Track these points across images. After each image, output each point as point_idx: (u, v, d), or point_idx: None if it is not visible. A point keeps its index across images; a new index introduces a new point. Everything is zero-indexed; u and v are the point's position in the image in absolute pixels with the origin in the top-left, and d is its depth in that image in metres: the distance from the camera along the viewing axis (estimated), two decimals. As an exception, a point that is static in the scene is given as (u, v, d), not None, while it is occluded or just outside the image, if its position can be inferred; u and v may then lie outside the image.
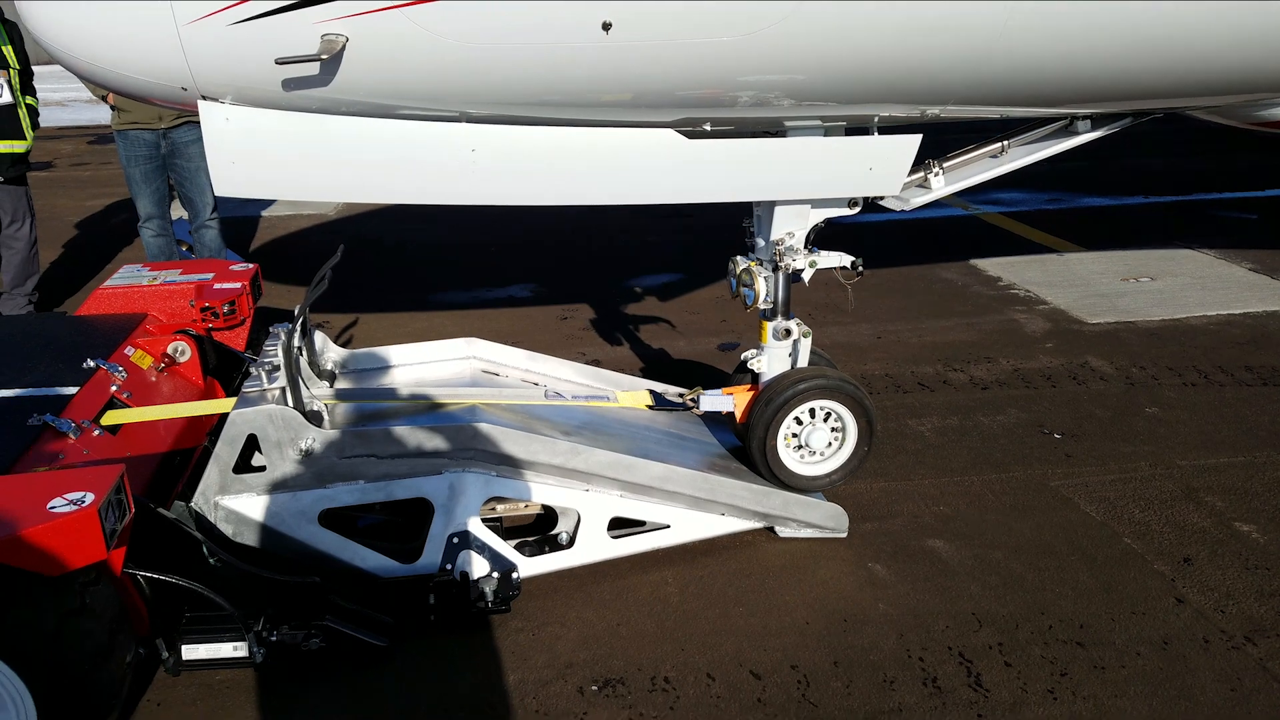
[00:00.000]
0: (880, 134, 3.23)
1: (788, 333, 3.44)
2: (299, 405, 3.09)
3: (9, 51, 5.57)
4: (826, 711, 2.70)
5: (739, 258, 3.57)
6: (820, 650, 2.93)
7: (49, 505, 2.26)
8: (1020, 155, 3.59)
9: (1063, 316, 5.72)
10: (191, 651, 2.69)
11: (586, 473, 3.19)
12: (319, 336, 3.87)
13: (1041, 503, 3.73)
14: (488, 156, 2.94)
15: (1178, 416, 4.41)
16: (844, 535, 3.49)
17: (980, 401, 4.61)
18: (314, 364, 3.71)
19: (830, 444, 3.51)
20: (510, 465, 3.17)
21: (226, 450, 3.00)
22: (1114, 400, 4.60)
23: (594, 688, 2.81)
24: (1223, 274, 6.41)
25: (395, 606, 3.02)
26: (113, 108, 5.64)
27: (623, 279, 6.71)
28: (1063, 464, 4.02)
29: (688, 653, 2.94)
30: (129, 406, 3.29)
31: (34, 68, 5.86)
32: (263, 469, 3.04)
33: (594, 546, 3.26)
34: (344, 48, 2.59)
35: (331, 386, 3.71)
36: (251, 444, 3.02)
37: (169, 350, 3.74)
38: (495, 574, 3.09)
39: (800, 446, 3.48)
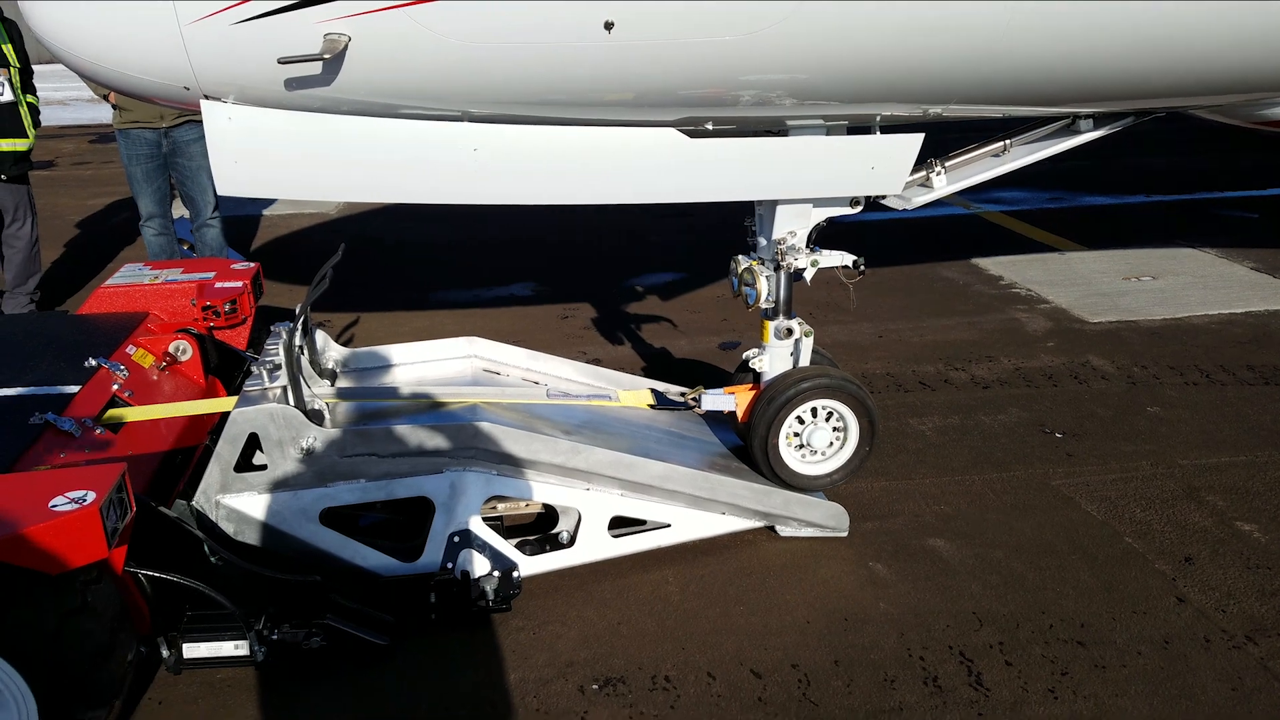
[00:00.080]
0: (882, 133, 3.23)
1: (789, 332, 3.44)
2: (300, 404, 3.09)
3: (9, 50, 5.56)
4: (827, 710, 2.70)
5: (741, 257, 3.57)
6: (821, 649, 2.94)
7: (50, 504, 2.26)
8: (1022, 154, 3.59)
9: (1064, 315, 5.71)
10: (193, 650, 2.69)
11: (587, 471, 3.20)
12: (320, 335, 3.87)
13: (1042, 502, 3.73)
14: (490, 156, 2.94)
15: (1179, 416, 4.41)
16: (845, 534, 3.49)
17: (981, 400, 4.61)
18: (315, 363, 3.71)
19: (832, 443, 3.51)
20: (511, 464, 3.17)
21: (228, 449, 3.01)
22: (1115, 399, 4.60)
23: (595, 686, 2.81)
24: (1224, 273, 6.40)
25: (396, 605, 3.02)
26: (114, 107, 5.64)
27: (624, 278, 6.71)
28: (1064, 463, 4.02)
29: (688, 651, 2.94)
30: (130, 405, 3.29)
31: (36, 67, 5.86)
32: (264, 468, 3.05)
33: (595, 545, 3.26)
34: (346, 47, 2.59)
35: (333, 385, 3.71)
36: (253, 443, 3.02)
37: (170, 349, 3.74)
38: (496, 573, 3.10)
39: (802, 446, 3.48)
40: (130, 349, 3.59)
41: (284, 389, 3.17)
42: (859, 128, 3.27)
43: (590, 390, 3.95)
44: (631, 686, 2.80)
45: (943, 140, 3.60)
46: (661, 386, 3.99)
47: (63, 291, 6.59)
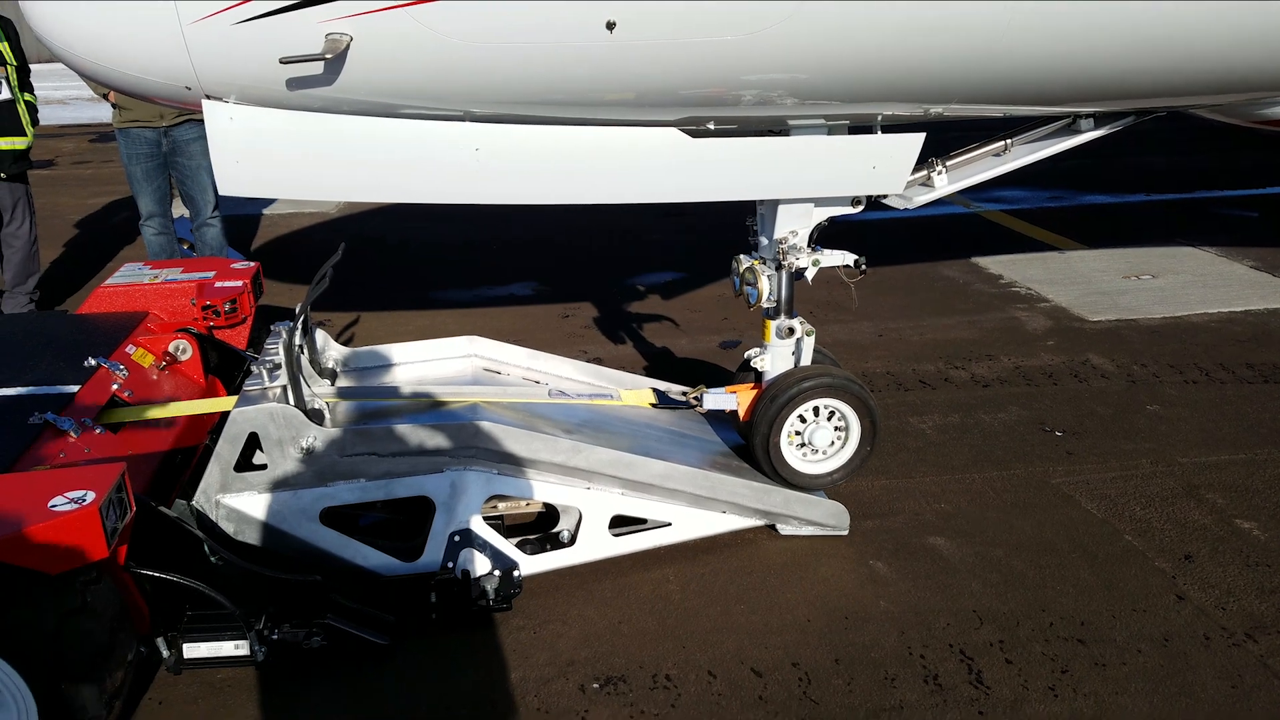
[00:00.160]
0: (884, 132, 3.23)
1: (791, 331, 3.44)
2: (300, 403, 3.09)
3: (5, 48, 5.55)
4: (828, 709, 2.70)
5: (742, 256, 3.57)
6: (821, 648, 2.94)
7: (50, 504, 2.26)
8: (1023, 154, 3.59)
9: (1064, 314, 5.71)
10: (193, 650, 2.69)
11: (588, 470, 3.20)
12: (320, 335, 3.87)
13: (1043, 500, 3.73)
14: (491, 156, 2.94)
15: (1179, 414, 4.41)
16: (845, 533, 3.49)
17: (982, 399, 4.62)
18: (315, 362, 3.71)
19: (833, 442, 3.51)
20: (512, 463, 3.17)
21: (228, 448, 3.01)
22: (1115, 398, 4.60)
23: (595, 685, 2.81)
24: (1224, 271, 6.41)
25: (397, 605, 3.02)
26: (114, 106, 5.63)
27: (624, 277, 6.71)
28: (1064, 461, 4.02)
29: (689, 650, 2.94)
30: (130, 405, 3.29)
31: (35, 65, 5.86)
32: (264, 467, 3.05)
33: (595, 544, 3.27)
34: (348, 47, 2.59)
35: (333, 385, 3.71)
36: (253, 442, 3.02)
37: (170, 349, 3.74)
38: (497, 572, 3.10)
39: (804, 445, 3.48)
40: (130, 348, 3.59)
41: (284, 388, 3.17)
42: (860, 127, 3.27)
43: (591, 389, 3.94)
44: (632, 685, 2.80)
45: (944, 139, 3.60)
46: (663, 385, 3.99)
47: (62, 291, 6.59)
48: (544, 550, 3.24)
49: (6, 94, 5.55)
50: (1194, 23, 2.85)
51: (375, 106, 2.83)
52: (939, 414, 4.47)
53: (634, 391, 3.92)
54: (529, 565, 3.17)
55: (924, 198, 3.51)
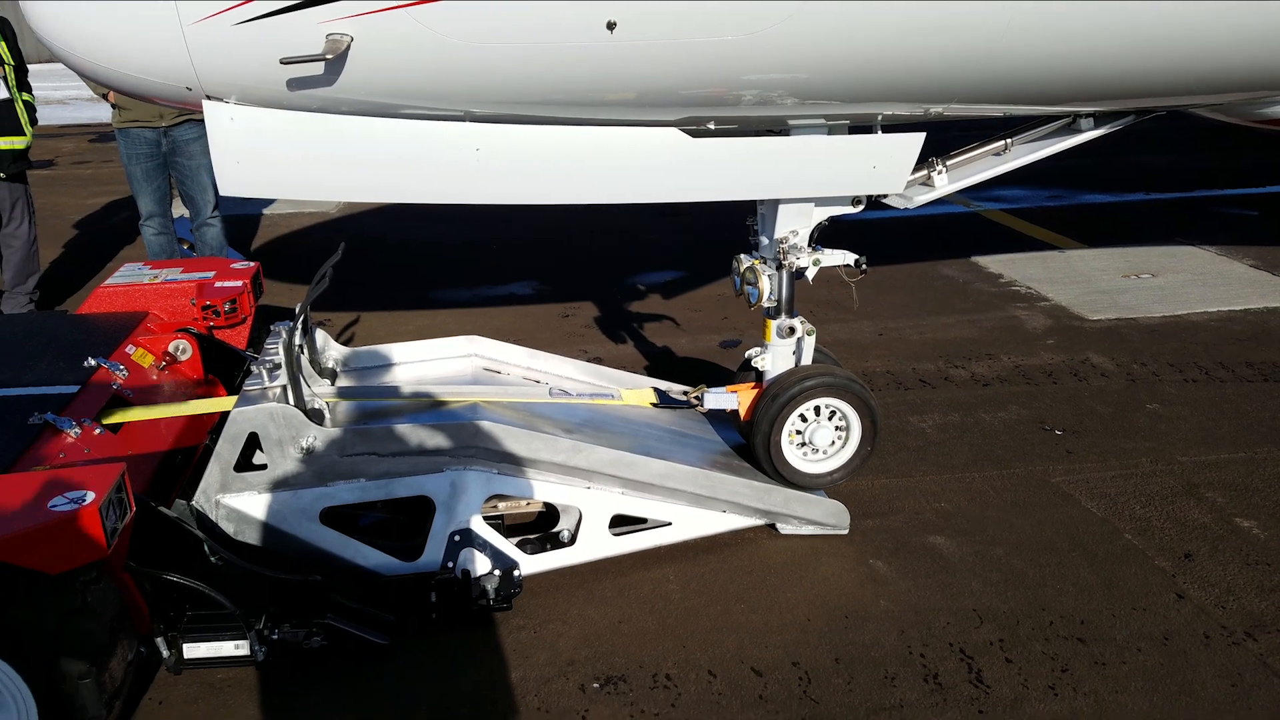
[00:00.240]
0: (884, 132, 3.23)
1: (791, 331, 3.45)
2: (300, 403, 3.09)
3: (3, 48, 5.55)
4: (828, 708, 2.70)
5: (743, 256, 3.57)
6: (821, 647, 2.94)
7: (50, 504, 2.26)
8: (1023, 153, 3.59)
9: (1064, 313, 5.72)
10: (193, 650, 2.69)
11: (588, 470, 3.20)
12: (320, 334, 3.87)
13: (1042, 499, 3.73)
14: (491, 156, 2.94)
15: (1179, 413, 4.42)
16: (845, 532, 3.49)
17: (981, 398, 4.62)
18: (315, 362, 3.70)
19: (834, 442, 3.51)
20: (512, 463, 3.17)
21: (228, 448, 3.01)
22: (1115, 397, 4.60)
23: (595, 685, 2.81)
24: (1224, 270, 6.41)
25: (397, 604, 3.02)
26: (113, 106, 5.63)
27: (624, 277, 6.71)
28: (1064, 460, 4.02)
29: (689, 650, 2.94)
30: (130, 405, 3.29)
31: (35, 66, 5.86)
32: (264, 467, 3.05)
33: (595, 544, 3.27)
34: (348, 47, 2.59)
35: (333, 384, 3.71)
36: (253, 442, 3.02)
37: (170, 348, 3.74)
38: (497, 572, 3.10)
39: (804, 444, 3.49)
40: (130, 349, 3.59)
41: (284, 388, 3.17)
42: (860, 127, 3.27)
43: (592, 389, 3.94)
44: (632, 685, 2.80)
45: (944, 139, 3.60)
46: (664, 385, 3.99)
47: (62, 291, 6.59)
48: (544, 550, 3.24)
49: (4, 94, 5.54)
50: (1194, 22, 2.85)
51: (376, 107, 2.83)
52: (939, 413, 4.47)
53: (634, 391, 3.92)
54: (529, 565, 3.17)
55: (924, 197, 3.51)
